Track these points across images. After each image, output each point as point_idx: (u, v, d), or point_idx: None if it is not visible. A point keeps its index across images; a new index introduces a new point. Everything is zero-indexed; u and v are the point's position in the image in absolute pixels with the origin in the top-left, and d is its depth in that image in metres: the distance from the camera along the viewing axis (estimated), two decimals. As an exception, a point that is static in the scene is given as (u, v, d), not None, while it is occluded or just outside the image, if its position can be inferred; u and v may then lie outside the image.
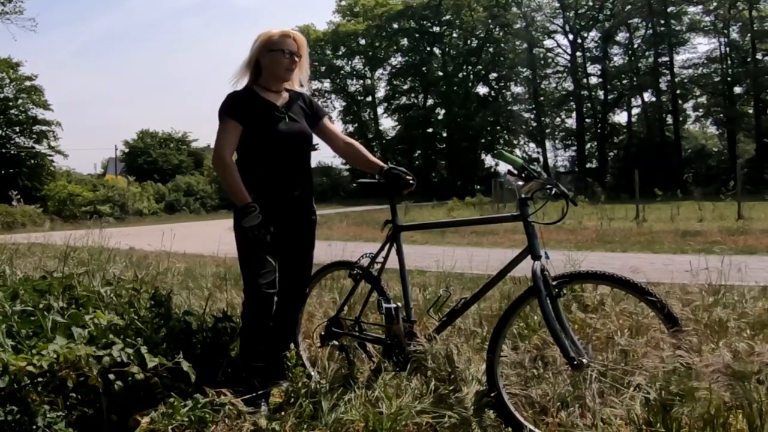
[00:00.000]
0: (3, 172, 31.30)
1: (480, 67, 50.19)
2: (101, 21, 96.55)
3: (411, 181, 2.69)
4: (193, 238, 11.95)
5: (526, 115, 47.93)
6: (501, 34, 47.91)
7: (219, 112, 2.64)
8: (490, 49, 49.42)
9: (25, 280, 3.21)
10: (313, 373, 2.78)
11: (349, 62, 52.75)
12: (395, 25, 50.92)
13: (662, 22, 41.16)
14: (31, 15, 42.25)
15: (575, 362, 2.07)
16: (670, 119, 42.88)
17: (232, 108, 2.63)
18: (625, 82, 44.73)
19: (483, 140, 49.04)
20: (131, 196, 29.55)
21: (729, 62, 40.39)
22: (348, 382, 2.49)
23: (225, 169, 2.57)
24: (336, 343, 2.88)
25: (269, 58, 2.67)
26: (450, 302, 2.61)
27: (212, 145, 2.75)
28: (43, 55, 78.25)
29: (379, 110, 52.91)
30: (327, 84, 52.03)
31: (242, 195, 2.53)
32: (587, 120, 46.49)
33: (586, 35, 45.77)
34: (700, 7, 40.02)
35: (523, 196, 2.32)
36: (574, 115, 46.80)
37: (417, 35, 51.01)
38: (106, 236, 6.42)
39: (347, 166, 37.76)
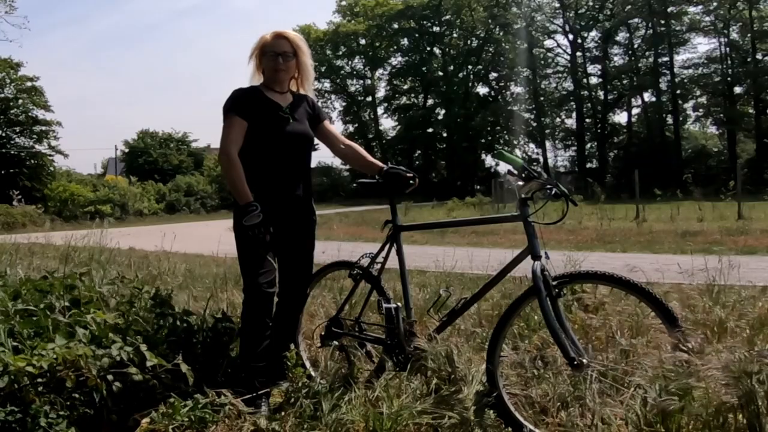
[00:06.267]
0: (3, 172, 31.25)
1: (480, 67, 50.20)
2: (101, 21, 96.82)
3: (411, 180, 2.69)
4: (193, 238, 11.95)
5: (526, 115, 47.91)
6: (501, 34, 47.87)
7: (224, 109, 2.65)
8: (490, 49, 49.42)
9: (27, 280, 3.21)
10: (313, 374, 2.78)
11: (349, 62, 52.77)
12: (395, 25, 50.90)
13: (662, 22, 41.15)
14: (23, 13, 42.25)
15: (575, 362, 2.07)
16: (670, 119, 42.87)
17: (237, 104, 2.63)
18: (625, 82, 44.71)
19: (483, 140, 49.03)
20: (132, 196, 29.54)
21: (729, 62, 40.38)
22: (348, 382, 2.49)
23: (231, 165, 2.57)
24: (336, 343, 2.88)
25: (264, 60, 2.71)
26: (450, 302, 2.61)
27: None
28: (43, 55, 78.37)
29: (379, 110, 52.99)
30: (327, 84, 52.10)
31: (245, 193, 2.53)
32: (587, 120, 46.47)
33: (586, 35, 45.77)
34: (700, 7, 40.01)
35: (523, 196, 2.32)
36: (574, 115, 46.79)
37: (417, 35, 51.01)
38: (106, 236, 6.42)
39: (347, 167, 37.73)
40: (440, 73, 50.58)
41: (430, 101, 51.55)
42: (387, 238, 2.76)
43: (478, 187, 35.60)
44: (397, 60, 52.91)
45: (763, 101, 39.01)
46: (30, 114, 33.40)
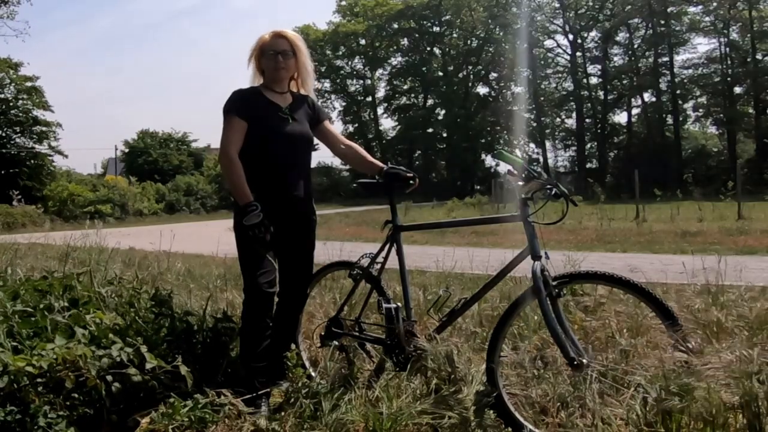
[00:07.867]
0: (3, 172, 31.24)
1: (480, 67, 50.17)
2: (101, 22, 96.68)
3: (411, 180, 2.69)
4: (193, 238, 11.95)
5: (526, 115, 47.89)
6: (501, 34, 47.86)
7: (224, 109, 2.65)
8: (490, 49, 49.39)
9: (26, 280, 3.21)
10: (313, 374, 2.78)
11: (349, 62, 52.73)
12: (395, 25, 50.88)
13: (662, 22, 41.14)
14: (24, 18, 42.62)
15: (575, 362, 2.07)
16: (670, 119, 42.86)
17: (237, 105, 2.64)
18: (625, 82, 44.71)
19: (483, 140, 49.00)
20: (132, 196, 29.54)
21: (729, 62, 40.36)
22: (348, 382, 2.49)
23: (230, 166, 2.58)
24: (336, 343, 2.88)
25: (264, 60, 2.71)
26: (450, 302, 2.61)
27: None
28: (43, 55, 78.34)
29: (379, 110, 52.93)
30: (327, 84, 52.01)
31: (245, 193, 2.53)
32: (587, 120, 46.46)
33: (586, 35, 45.76)
34: (700, 7, 39.99)
35: (523, 196, 2.32)
36: (574, 115, 46.79)
37: (417, 35, 50.99)
38: (105, 236, 6.42)
39: (347, 167, 37.71)
40: (440, 73, 50.57)
41: (430, 101, 51.53)
42: (387, 238, 2.75)
43: (478, 187, 35.66)
44: (397, 60, 52.93)
45: (763, 101, 39.00)
46: (30, 114, 33.39)
